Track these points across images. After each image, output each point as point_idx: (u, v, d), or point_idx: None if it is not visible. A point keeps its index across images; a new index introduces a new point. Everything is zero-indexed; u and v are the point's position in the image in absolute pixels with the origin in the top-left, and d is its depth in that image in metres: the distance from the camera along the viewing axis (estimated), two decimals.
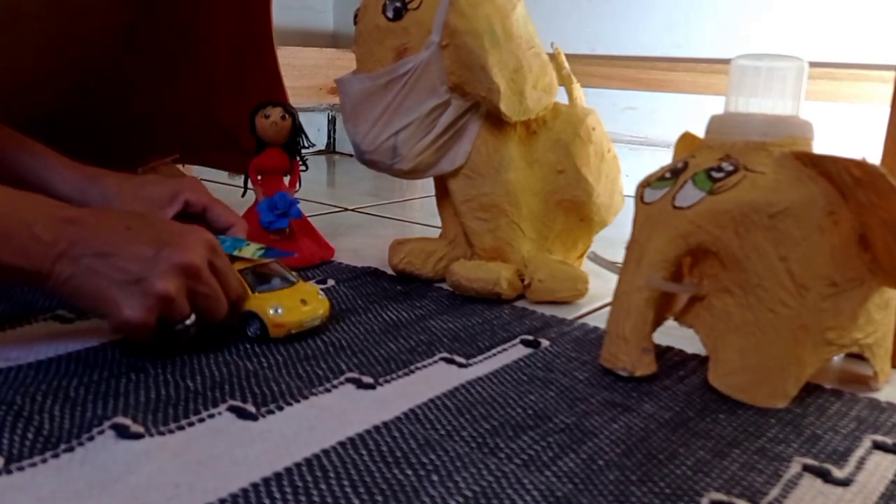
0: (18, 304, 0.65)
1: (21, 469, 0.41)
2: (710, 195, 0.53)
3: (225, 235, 0.66)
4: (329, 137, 1.84)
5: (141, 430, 0.45)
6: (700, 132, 0.61)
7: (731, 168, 0.54)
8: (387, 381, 0.54)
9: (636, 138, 1.44)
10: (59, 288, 0.51)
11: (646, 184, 0.59)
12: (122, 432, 0.44)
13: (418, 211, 1.23)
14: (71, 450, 0.43)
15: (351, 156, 1.75)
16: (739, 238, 0.52)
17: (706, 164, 0.56)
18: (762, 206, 0.51)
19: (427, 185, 1.17)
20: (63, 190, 0.65)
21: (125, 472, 0.41)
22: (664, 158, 0.64)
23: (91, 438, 0.44)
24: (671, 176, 0.57)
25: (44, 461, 0.42)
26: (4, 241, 0.49)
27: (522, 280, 0.74)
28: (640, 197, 0.58)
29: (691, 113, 1.34)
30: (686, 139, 0.65)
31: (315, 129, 1.81)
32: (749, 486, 0.43)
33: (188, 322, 0.54)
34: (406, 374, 0.56)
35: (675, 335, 0.64)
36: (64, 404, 0.48)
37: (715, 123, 0.58)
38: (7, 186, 0.51)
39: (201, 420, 0.47)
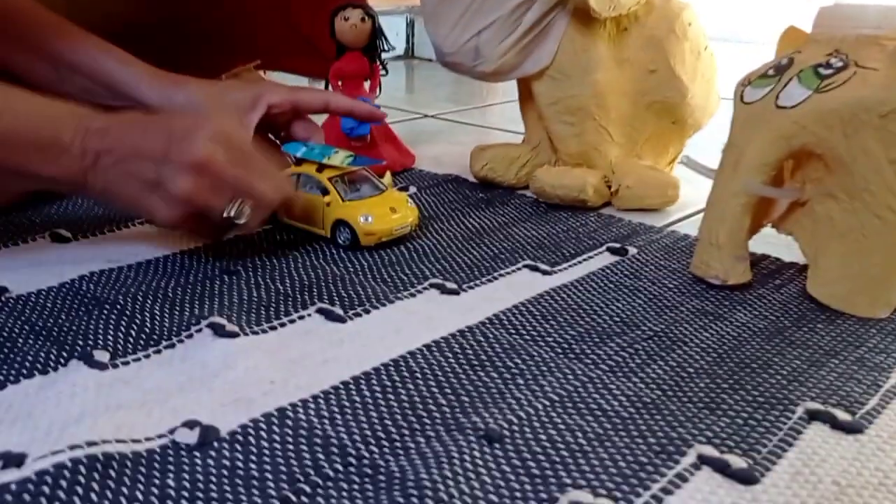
0: (116, 207, 0.68)
1: (126, 364, 0.44)
2: (816, 93, 0.50)
3: (314, 143, 0.67)
4: (407, 42, 1.82)
5: (236, 329, 0.47)
6: (806, 27, 0.57)
7: (840, 64, 0.51)
8: (470, 287, 0.55)
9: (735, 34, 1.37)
10: (99, 198, 0.53)
11: (746, 82, 0.56)
12: (219, 331, 0.46)
13: (499, 116, 1.22)
14: (172, 346, 0.46)
15: (430, 60, 1.73)
16: (847, 139, 0.50)
17: (813, 59, 0.53)
18: (873, 104, 0.48)
19: (509, 90, 1.15)
20: (149, 97, 0.66)
21: (223, 367, 0.43)
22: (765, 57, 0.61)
23: (190, 336, 0.46)
24: (774, 73, 0.54)
25: (147, 357, 0.44)
26: (38, 152, 0.50)
27: (609, 186, 0.73)
28: (739, 96, 0.56)
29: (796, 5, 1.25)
30: (791, 34, 0.61)
31: (393, 32, 1.79)
32: (846, 395, 0.42)
33: (234, 209, 0.53)
34: (489, 281, 0.56)
35: (772, 243, 0.63)
36: (164, 304, 0.51)
37: (823, 16, 0.55)
38: (38, 95, 0.52)
39: (292, 321, 0.49)
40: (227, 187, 0.53)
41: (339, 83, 0.83)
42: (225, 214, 0.53)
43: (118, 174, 0.52)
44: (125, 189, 0.52)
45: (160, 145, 0.51)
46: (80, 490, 0.32)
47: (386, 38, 0.83)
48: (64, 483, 0.32)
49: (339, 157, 0.63)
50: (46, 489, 0.32)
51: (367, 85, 0.85)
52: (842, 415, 0.40)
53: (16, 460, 0.33)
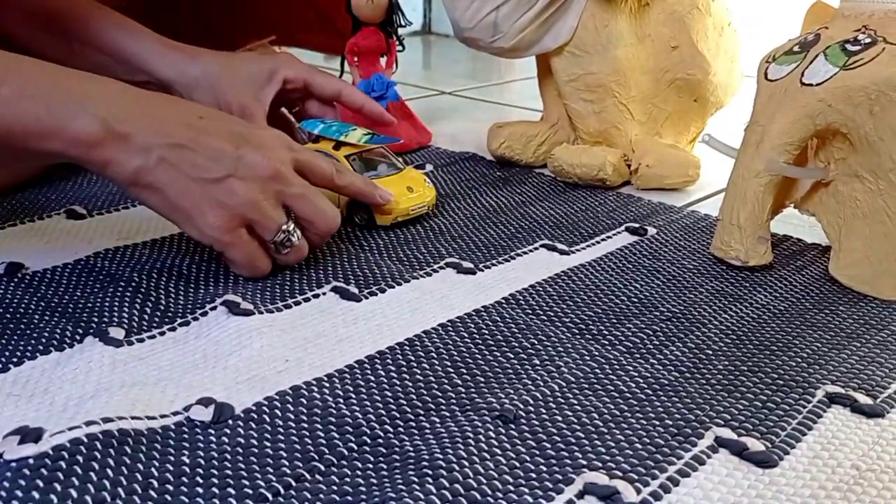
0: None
1: (141, 341, 0.44)
2: (843, 70, 0.50)
3: (331, 120, 0.67)
4: (424, 17, 1.81)
5: (250, 307, 0.47)
6: (833, 1, 0.56)
7: (868, 40, 0.50)
8: (487, 267, 0.55)
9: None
10: (124, 180, 0.46)
11: (770, 58, 0.55)
12: (233, 309, 0.47)
13: (517, 93, 1.21)
14: (186, 324, 0.46)
15: (447, 36, 1.71)
16: (874, 118, 0.49)
17: (840, 35, 0.52)
18: None
19: (527, 67, 1.14)
20: (163, 70, 0.66)
21: (238, 345, 0.43)
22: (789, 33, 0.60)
23: (205, 314, 0.47)
24: (800, 50, 0.54)
25: (161, 334, 0.45)
26: (48, 119, 0.43)
27: (629, 165, 0.73)
28: (763, 73, 0.55)
29: None
30: (817, 9, 0.60)
31: (410, 7, 1.78)
32: (868, 379, 0.42)
33: (285, 229, 0.49)
34: (506, 260, 0.56)
35: (793, 223, 0.62)
36: (178, 281, 0.51)
37: None
38: (54, 64, 0.46)
39: (307, 299, 0.49)
40: (294, 196, 0.49)
41: (356, 59, 0.83)
42: (275, 238, 0.49)
43: (163, 158, 0.45)
44: (169, 176, 0.46)
45: (228, 139, 0.47)
46: (96, 465, 0.33)
47: (403, 13, 0.83)
48: (80, 458, 0.33)
49: (357, 135, 0.63)
50: (63, 464, 0.32)
51: (383, 61, 0.84)
52: (863, 398, 0.40)
53: (33, 435, 0.34)
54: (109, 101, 0.45)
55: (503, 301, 0.50)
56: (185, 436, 0.36)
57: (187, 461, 0.34)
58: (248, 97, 0.66)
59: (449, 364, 0.42)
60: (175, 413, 0.37)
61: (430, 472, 0.33)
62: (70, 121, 0.43)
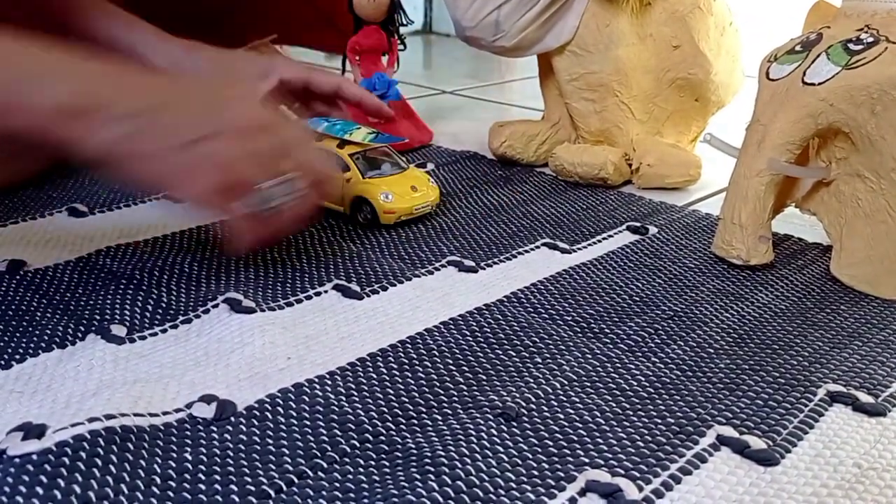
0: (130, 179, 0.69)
1: (143, 338, 0.44)
2: (845, 69, 0.50)
3: (336, 118, 0.67)
4: (425, 16, 1.81)
5: (252, 304, 0.47)
6: (835, 0, 0.56)
7: (871, 40, 0.50)
8: (488, 265, 0.55)
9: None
10: (96, 156, 0.43)
11: (772, 58, 0.56)
12: (235, 306, 0.47)
13: (518, 93, 1.21)
14: (188, 321, 0.46)
15: (448, 36, 1.72)
16: (876, 117, 0.49)
17: (843, 35, 0.52)
18: None
19: (528, 66, 1.14)
20: (157, 61, 0.65)
21: (239, 343, 0.43)
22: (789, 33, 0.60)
23: (207, 311, 0.47)
24: (802, 49, 0.54)
25: (163, 331, 0.45)
26: (8, 96, 0.42)
27: (630, 164, 0.73)
28: (765, 73, 0.55)
29: None
30: (819, 8, 0.60)
31: (411, 6, 1.78)
32: (869, 378, 0.42)
33: (272, 187, 0.46)
34: (508, 259, 0.56)
35: (795, 223, 0.62)
36: (180, 279, 0.51)
37: None
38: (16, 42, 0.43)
39: (308, 297, 0.49)
40: (278, 156, 0.47)
41: (357, 58, 0.83)
42: (271, 184, 0.46)
43: (136, 128, 0.43)
44: (142, 147, 0.44)
45: (199, 99, 0.46)
46: (98, 462, 0.33)
47: (404, 12, 0.83)
48: (83, 455, 0.33)
49: (361, 134, 0.63)
50: (66, 460, 0.32)
51: (384, 59, 0.84)
52: (864, 397, 0.40)
53: (36, 431, 0.34)
54: (73, 75, 0.44)
55: (505, 299, 0.50)
56: (188, 433, 0.36)
57: (190, 458, 0.34)
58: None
59: (451, 362, 0.42)
60: (177, 410, 0.37)
61: (431, 469, 0.33)
62: (32, 96, 0.42)
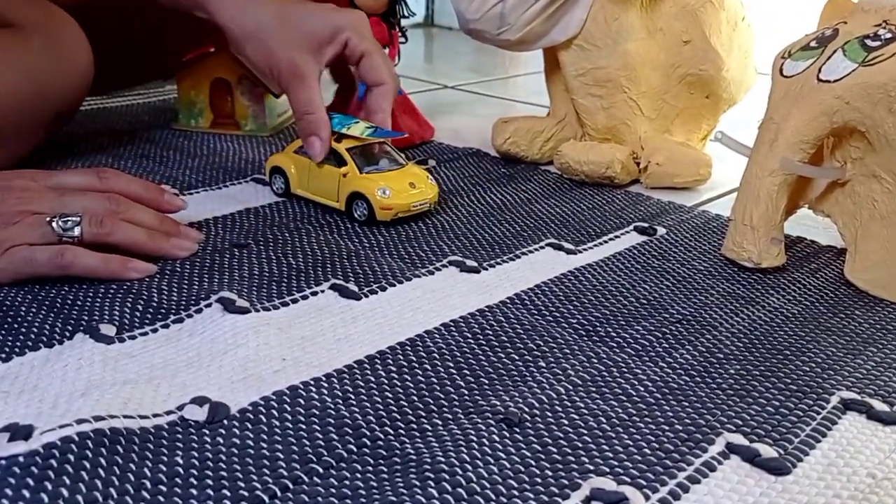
0: None
1: (133, 338, 0.44)
2: (862, 66, 0.50)
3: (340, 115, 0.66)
4: (427, 9, 1.81)
5: (246, 304, 0.47)
6: None
7: (889, 35, 0.50)
8: (491, 266, 0.55)
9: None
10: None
11: (786, 54, 0.56)
12: (229, 306, 0.47)
13: (523, 88, 1.21)
14: (180, 321, 0.46)
15: (450, 29, 1.72)
16: (893, 116, 0.49)
17: (860, 31, 0.52)
18: None
19: (533, 61, 1.14)
20: (220, 14, 0.64)
21: (233, 344, 0.43)
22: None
23: (199, 311, 0.47)
24: (817, 45, 0.54)
25: (154, 331, 0.45)
26: None
27: (638, 163, 0.73)
28: (778, 69, 0.55)
29: None
30: (836, 3, 0.60)
31: None
32: (884, 385, 0.42)
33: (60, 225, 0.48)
34: (511, 259, 0.56)
35: (808, 225, 0.62)
36: (171, 278, 0.51)
37: None
38: None
39: (304, 297, 0.49)
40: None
41: None
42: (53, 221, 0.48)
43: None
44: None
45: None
46: (87, 465, 0.33)
47: (406, 4, 0.83)
48: (72, 457, 0.33)
49: (359, 128, 0.63)
50: (54, 462, 0.32)
51: (385, 52, 0.84)
52: (879, 405, 0.40)
53: (23, 432, 0.34)
54: None
55: (508, 301, 0.50)
56: (179, 436, 0.36)
57: (181, 462, 0.34)
58: (303, 55, 0.63)
59: (451, 365, 0.42)
60: (168, 412, 0.37)
61: (431, 475, 0.33)
62: None
